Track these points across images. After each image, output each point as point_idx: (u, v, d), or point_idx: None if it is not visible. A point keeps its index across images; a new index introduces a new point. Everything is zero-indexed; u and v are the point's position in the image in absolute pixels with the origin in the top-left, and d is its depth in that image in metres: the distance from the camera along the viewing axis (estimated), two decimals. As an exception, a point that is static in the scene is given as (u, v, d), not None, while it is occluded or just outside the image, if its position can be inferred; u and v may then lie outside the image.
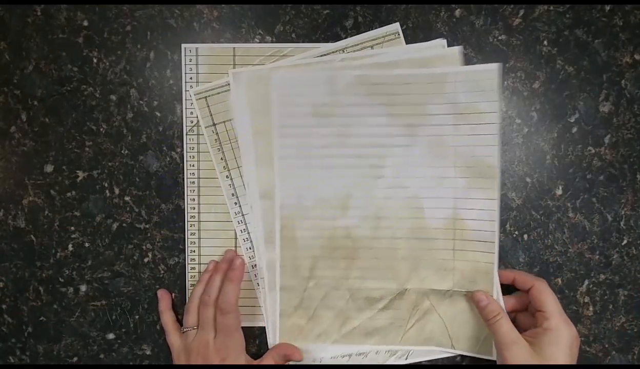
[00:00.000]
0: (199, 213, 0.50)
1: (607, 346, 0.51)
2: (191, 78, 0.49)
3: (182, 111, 0.50)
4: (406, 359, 0.50)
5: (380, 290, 0.49)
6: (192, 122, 0.50)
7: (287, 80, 0.48)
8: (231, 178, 0.50)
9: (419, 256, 0.49)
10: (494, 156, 0.48)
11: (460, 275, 0.49)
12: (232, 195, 0.50)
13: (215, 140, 0.50)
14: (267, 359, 0.48)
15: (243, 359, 0.47)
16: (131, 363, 0.51)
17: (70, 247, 0.51)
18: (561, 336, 0.44)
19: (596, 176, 0.50)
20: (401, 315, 0.50)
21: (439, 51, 0.49)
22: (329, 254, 0.49)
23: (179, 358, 0.47)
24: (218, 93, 0.49)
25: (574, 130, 0.50)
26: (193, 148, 0.50)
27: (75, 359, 0.51)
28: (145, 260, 0.51)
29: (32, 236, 0.51)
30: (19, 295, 0.51)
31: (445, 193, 0.49)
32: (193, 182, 0.50)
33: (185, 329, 0.48)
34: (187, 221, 0.50)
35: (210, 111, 0.50)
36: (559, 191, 0.50)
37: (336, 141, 0.49)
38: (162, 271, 0.51)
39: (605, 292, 0.51)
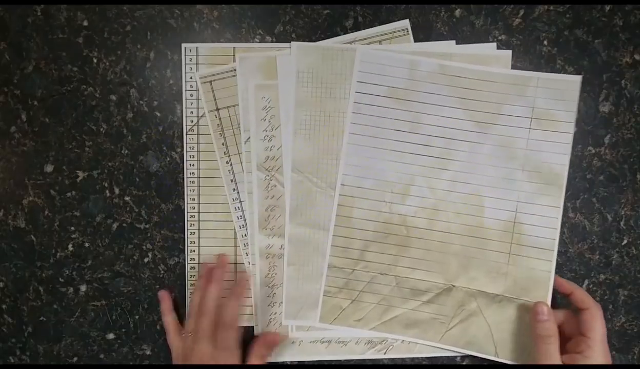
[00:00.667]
0: (198, 213, 0.50)
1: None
2: (191, 77, 0.49)
3: (182, 110, 0.50)
4: (385, 353, 0.50)
5: (427, 282, 0.49)
6: (192, 121, 0.50)
7: (372, 56, 0.48)
8: (231, 164, 0.50)
9: (472, 255, 0.49)
10: (564, 165, 0.48)
11: (512, 281, 0.49)
12: (231, 181, 0.50)
13: (218, 125, 0.50)
14: (253, 359, 0.47)
15: None
16: (131, 363, 0.51)
17: (70, 247, 0.51)
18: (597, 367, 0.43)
19: (596, 176, 0.50)
20: (445, 312, 0.49)
21: (492, 51, 0.49)
22: (381, 239, 0.49)
23: (177, 360, 0.47)
24: (223, 78, 0.49)
25: (574, 130, 0.50)
26: (193, 147, 0.50)
27: (75, 359, 0.51)
28: (145, 260, 0.51)
29: (32, 236, 0.51)
30: (19, 295, 0.51)
31: (509, 195, 0.49)
32: (193, 182, 0.50)
33: (184, 334, 0.47)
34: (187, 221, 0.50)
35: (214, 95, 0.50)
36: (559, 191, 0.50)
37: (407, 126, 0.49)
38: (162, 271, 0.51)
39: (605, 292, 0.51)
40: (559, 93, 0.48)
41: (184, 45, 0.49)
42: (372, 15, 0.49)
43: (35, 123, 0.50)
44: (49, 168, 0.50)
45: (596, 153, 0.50)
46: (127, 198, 0.50)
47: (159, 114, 0.50)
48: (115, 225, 0.51)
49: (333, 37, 0.49)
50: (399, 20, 0.49)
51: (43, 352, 0.51)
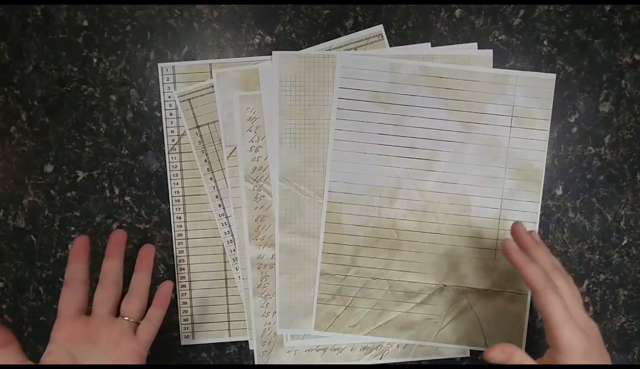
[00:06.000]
0: (186, 231, 0.50)
1: (607, 346, 0.51)
2: (169, 97, 0.49)
3: (164, 129, 0.49)
4: (380, 359, 0.50)
5: (419, 284, 0.50)
6: (173, 140, 0.50)
7: (352, 62, 0.49)
8: (215, 180, 0.50)
9: (461, 253, 0.50)
10: (542, 161, 0.49)
11: (499, 275, 0.50)
12: (216, 197, 0.50)
13: (199, 142, 0.50)
14: None
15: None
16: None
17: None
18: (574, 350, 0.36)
19: (596, 176, 0.50)
20: (438, 311, 0.50)
21: (473, 52, 0.49)
22: (372, 244, 0.50)
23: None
24: (202, 95, 0.49)
25: (574, 130, 0.50)
26: (176, 166, 0.50)
27: (75, 359, 0.51)
28: (145, 260, 0.51)
29: (32, 236, 0.51)
30: (19, 295, 0.51)
31: (494, 193, 0.49)
32: (178, 200, 0.50)
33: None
34: (175, 240, 0.50)
35: (194, 113, 0.50)
36: (559, 191, 0.50)
37: (392, 130, 0.49)
38: (162, 271, 0.51)
39: (605, 292, 0.51)
40: (535, 91, 0.49)
41: (160, 64, 0.49)
42: (372, 15, 0.49)
43: (35, 123, 0.50)
44: (49, 168, 0.50)
45: (596, 153, 0.50)
46: (127, 198, 0.50)
47: (158, 114, 0.50)
48: (115, 225, 0.51)
49: (333, 37, 0.49)
50: (399, 20, 0.49)
51: (43, 352, 0.51)
